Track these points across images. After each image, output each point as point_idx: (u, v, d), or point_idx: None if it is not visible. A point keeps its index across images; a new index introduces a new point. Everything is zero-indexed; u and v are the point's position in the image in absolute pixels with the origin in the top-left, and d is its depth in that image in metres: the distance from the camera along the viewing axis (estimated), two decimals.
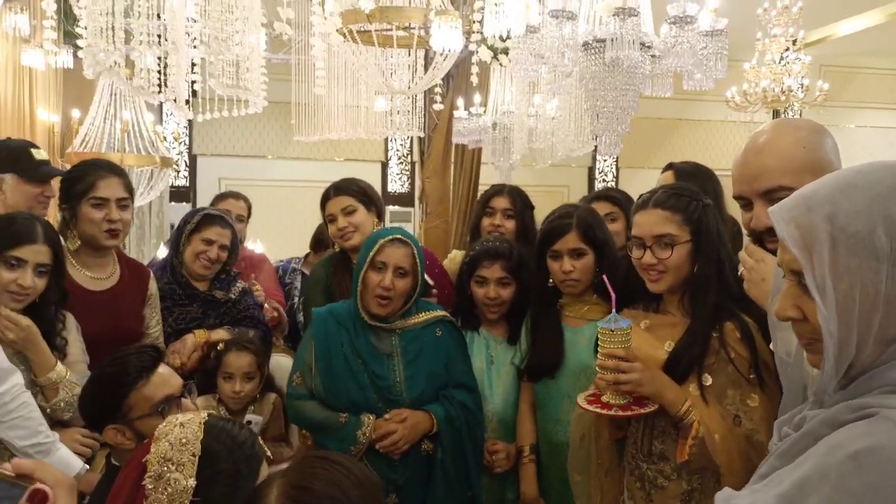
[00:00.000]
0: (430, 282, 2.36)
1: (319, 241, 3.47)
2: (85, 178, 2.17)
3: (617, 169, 8.55)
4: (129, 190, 2.26)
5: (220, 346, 2.35)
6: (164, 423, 1.17)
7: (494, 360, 2.27)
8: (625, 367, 1.54)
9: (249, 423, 2.11)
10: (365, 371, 2.05)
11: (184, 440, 1.12)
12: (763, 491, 0.83)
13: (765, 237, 1.34)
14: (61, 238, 2.04)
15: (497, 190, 2.71)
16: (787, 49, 6.21)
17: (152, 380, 1.58)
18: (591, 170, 8.51)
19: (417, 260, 2.08)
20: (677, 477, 1.60)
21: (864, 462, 0.73)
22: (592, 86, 2.17)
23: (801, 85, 6.28)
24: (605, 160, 8.48)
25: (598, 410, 1.59)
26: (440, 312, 2.19)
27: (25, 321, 1.84)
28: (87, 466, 1.86)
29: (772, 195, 1.27)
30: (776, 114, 7.89)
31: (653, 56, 2.19)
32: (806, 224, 0.84)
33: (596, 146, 3.59)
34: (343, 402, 2.04)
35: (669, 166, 2.45)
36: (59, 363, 1.90)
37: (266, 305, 2.82)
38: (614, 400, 1.58)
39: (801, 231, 0.85)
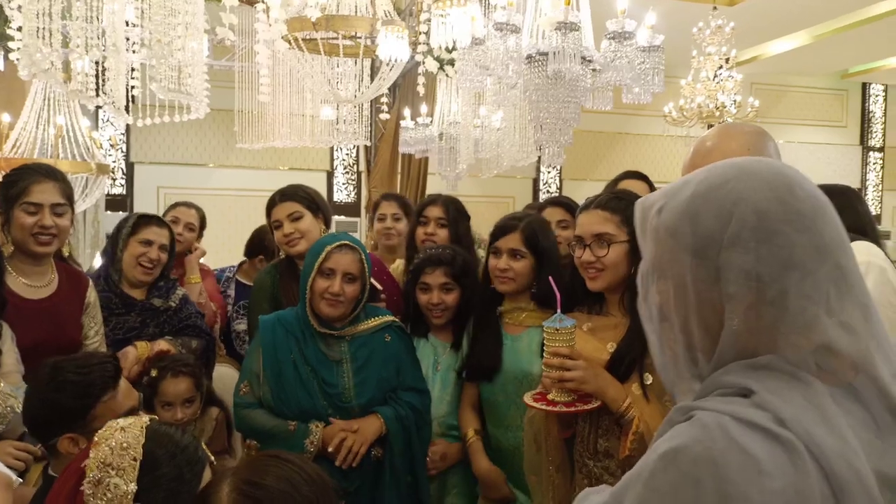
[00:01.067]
0: (379, 286, 2.36)
1: (255, 246, 3.40)
2: (19, 182, 2.10)
3: (560, 181, 8.73)
4: (68, 196, 2.18)
5: (154, 373, 2.21)
6: (105, 428, 1.14)
7: (441, 366, 2.29)
8: (569, 365, 1.59)
9: None
10: (314, 378, 2.04)
11: (125, 444, 1.10)
12: (606, 490, 0.88)
13: None
14: None
15: (431, 200, 2.75)
16: (721, 67, 6.48)
17: (118, 391, 1.55)
18: (536, 181, 8.67)
19: (365, 265, 2.09)
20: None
21: (669, 461, 0.76)
22: (536, 97, 2.22)
23: (734, 101, 6.56)
24: (549, 172, 8.65)
25: (543, 407, 1.64)
26: (388, 318, 2.19)
27: None
28: (21, 480, 1.78)
29: None
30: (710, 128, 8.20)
31: (593, 70, 2.26)
32: (641, 215, 0.90)
33: (540, 157, 3.68)
34: (293, 410, 2.02)
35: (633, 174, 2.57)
36: None
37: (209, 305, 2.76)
38: (559, 397, 1.63)
39: (638, 220, 0.91)
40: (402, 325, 2.24)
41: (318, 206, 2.55)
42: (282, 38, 2.64)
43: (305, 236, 2.46)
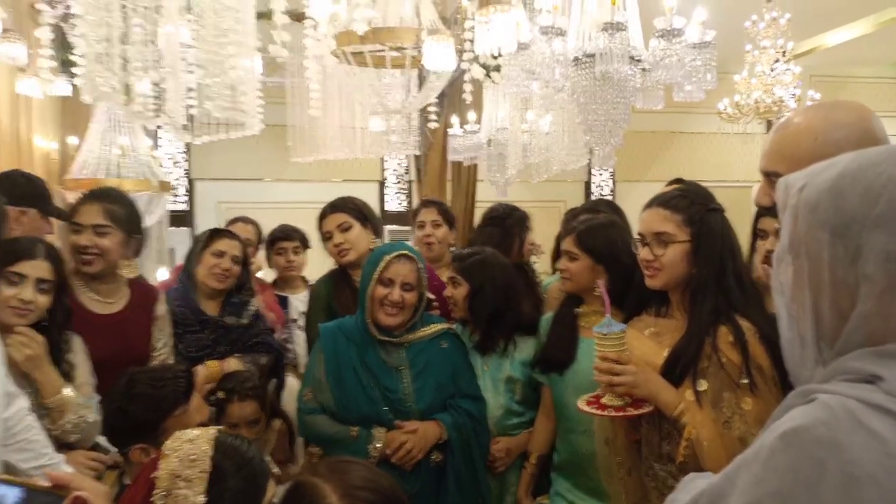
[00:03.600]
0: (431, 296, 2.39)
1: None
2: (76, 204, 2.22)
3: (613, 183, 8.60)
4: (113, 217, 2.22)
5: (221, 395, 2.24)
6: (172, 439, 1.17)
7: (488, 366, 2.32)
8: (618, 370, 1.59)
9: None
10: (376, 385, 2.08)
11: (193, 456, 1.12)
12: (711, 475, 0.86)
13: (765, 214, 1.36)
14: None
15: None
16: (777, 60, 6.27)
17: (190, 407, 1.61)
18: (588, 184, 8.56)
19: (422, 274, 2.12)
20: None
21: (789, 441, 0.75)
22: (584, 100, 2.20)
23: (793, 95, 6.34)
24: (601, 174, 8.53)
25: (593, 411, 1.64)
26: (444, 325, 2.24)
27: (40, 337, 1.86)
28: None
29: (770, 177, 1.27)
30: (769, 124, 7.95)
31: (642, 69, 2.22)
32: (783, 193, 0.89)
33: (590, 160, 3.63)
34: (355, 416, 2.07)
35: (679, 181, 2.51)
36: (65, 385, 1.90)
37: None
38: (612, 402, 1.62)
39: (780, 198, 0.89)
40: (457, 332, 2.26)
41: (366, 216, 2.60)
42: (331, 52, 2.69)
43: (355, 246, 2.51)
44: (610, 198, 8.48)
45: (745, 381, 1.56)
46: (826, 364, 0.83)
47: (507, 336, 2.29)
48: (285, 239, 3.36)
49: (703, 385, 1.58)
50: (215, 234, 2.58)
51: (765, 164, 1.31)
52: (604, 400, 1.64)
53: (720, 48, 2.39)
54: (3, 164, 3.86)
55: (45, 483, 0.55)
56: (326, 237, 2.58)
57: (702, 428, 1.53)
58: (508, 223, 2.91)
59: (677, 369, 1.61)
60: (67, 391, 1.89)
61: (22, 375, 1.85)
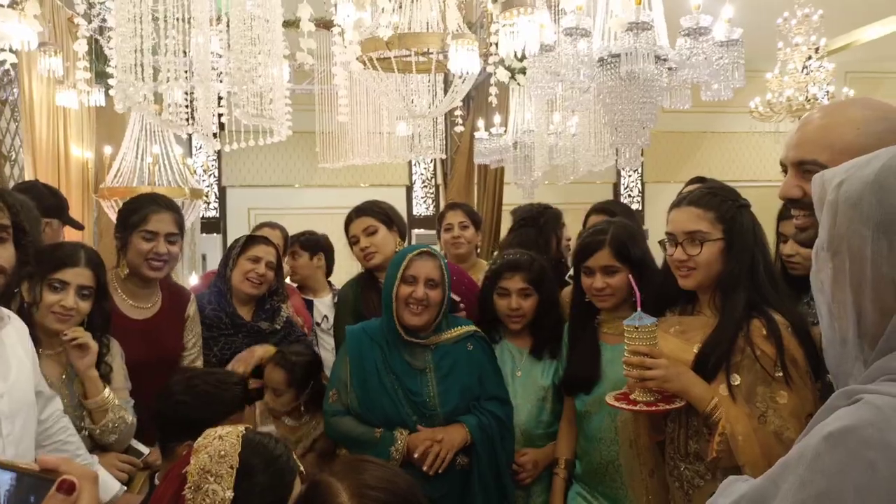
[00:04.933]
0: (457, 298, 2.39)
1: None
2: (140, 210, 2.28)
3: (642, 184, 8.52)
4: (179, 226, 2.35)
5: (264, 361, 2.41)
6: (203, 436, 1.20)
7: (520, 372, 2.28)
8: (649, 364, 1.56)
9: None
10: (399, 387, 2.09)
11: (222, 452, 1.15)
12: (749, 480, 0.84)
13: (790, 207, 1.33)
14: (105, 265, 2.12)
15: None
16: (810, 57, 6.16)
17: (243, 415, 1.69)
18: (616, 186, 8.49)
19: (444, 272, 2.13)
20: (712, 477, 1.60)
21: (836, 442, 0.73)
22: (610, 100, 2.19)
23: (827, 93, 6.21)
24: (629, 176, 8.46)
25: (623, 406, 1.62)
26: (471, 327, 2.22)
27: (94, 343, 1.93)
28: (126, 488, 1.91)
29: (805, 167, 1.23)
30: None
31: (669, 68, 2.20)
32: (820, 189, 0.87)
33: (617, 160, 3.61)
34: (378, 418, 2.08)
35: (699, 180, 2.45)
36: (106, 387, 1.97)
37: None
38: (641, 397, 1.60)
39: (817, 194, 0.88)
40: (483, 335, 2.25)
41: (391, 219, 2.62)
42: (357, 58, 2.72)
43: (381, 250, 2.53)
44: (639, 200, 8.42)
45: (780, 374, 1.54)
46: (868, 364, 0.81)
47: (553, 344, 2.27)
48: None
49: (736, 379, 1.56)
50: (252, 240, 2.60)
51: (797, 153, 1.26)
52: (633, 396, 1.62)
53: (750, 46, 2.36)
54: (41, 173, 3.97)
55: (35, 467, 0.57)
56: (353, 241, 2.60)
57: (736, 423, 1.51)
58: (542, 222, 2.92)
59: (709, 364, 1.59)
60: (108, 392, 1.95)
61: (59, 378, 1.91)
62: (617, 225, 2.08)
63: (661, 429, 1.71)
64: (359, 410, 2.10)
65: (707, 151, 8.53)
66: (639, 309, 1.61)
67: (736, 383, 1.55)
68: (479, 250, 3.08)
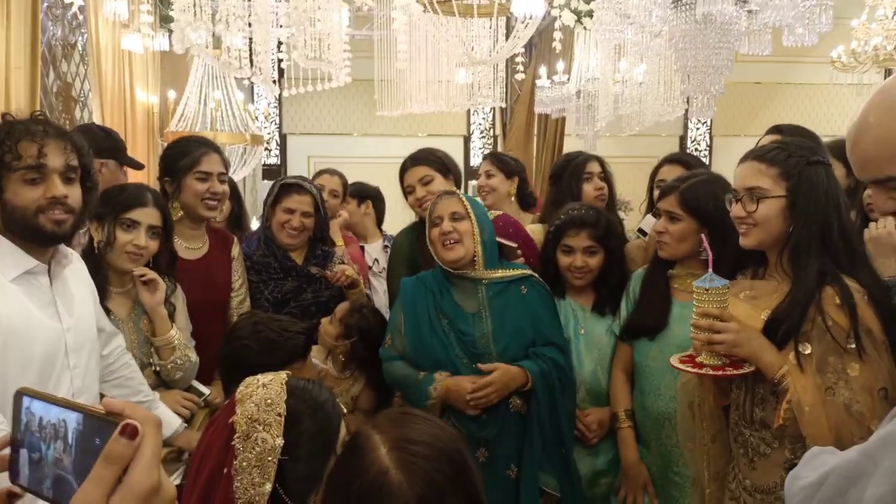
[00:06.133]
0: (514, 244, 2.36)
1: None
2: (190, 153, 2.30)
3: (710, 138, 8.18)
4: (226, 165, 2.40)
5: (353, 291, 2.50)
6: (244, 385, 1.21)
7: (584, 329, 2.24)
8: (719, 327, 1.50)
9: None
10: (451, 329, 2.11)
11: (269, 400, 1.15)
12: (837, 453, 0.78)
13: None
14: None
15: (586, 157, 2.77)
16: None
17: (305, 365, 1.72)
18: (683, 139, 8.18)
19: (468, 206, 2.15)
20: (779, 445, 1.54)
21: None
22: (683, 45, 2.07)
23: None
24: (697, 128, 8.12)
25: (689, 369, 1.56)
26: (526, 271, 2.21)
27: (162, 282, 2.00)
28: (186, 424, 1.97)
29: (885, 184, 1.10)
30: (888, 74, 7.31)
31: (749, 11, 2.06)
32: None
33: (687, 110, 3.45)
34: (429, 361, 2.10)
35: (776, 129, 2.28)
36: (173, 325, 2.03)
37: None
38: (709, 361, 1.54)
39: None
40: (540, 279, 2.22)
41: (447, 168, 2.57)
42: (416, 1, 2.64)
43: None
44: (706, 154, 8.10)
45: (853, 345, 1.46)
46: None
47: (616, 300, 2.23)
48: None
49: (807, 348, 1.48)
50: (284, 189, 2.51)
51: (868, 174, 1.12)
52: (699, 359, 1.56)
53: None
54: (108, 118, 4.07)
55: (101, 409, 0.58)
56: (408, 191, 2.56)
57: (804, 393, 1.44)
58: (565, 178, 2.78)
59: (779, 332, 1.52)
60: (175, 331, 2.02)
61: (126, 315, 1.98)
62: (702, 176, 2.02)
63: (728, 392, 1.65)
64: (411, 355, 2.13)
65: (781, 104, 8.10)
66: (710, 269, 1.53)
67: (807, 352, 1.48)
68: (512, 199, 3.03)
